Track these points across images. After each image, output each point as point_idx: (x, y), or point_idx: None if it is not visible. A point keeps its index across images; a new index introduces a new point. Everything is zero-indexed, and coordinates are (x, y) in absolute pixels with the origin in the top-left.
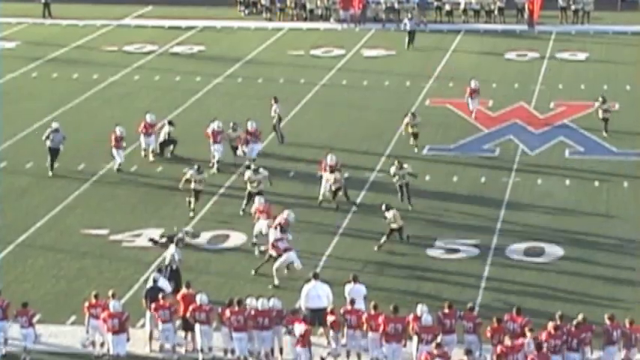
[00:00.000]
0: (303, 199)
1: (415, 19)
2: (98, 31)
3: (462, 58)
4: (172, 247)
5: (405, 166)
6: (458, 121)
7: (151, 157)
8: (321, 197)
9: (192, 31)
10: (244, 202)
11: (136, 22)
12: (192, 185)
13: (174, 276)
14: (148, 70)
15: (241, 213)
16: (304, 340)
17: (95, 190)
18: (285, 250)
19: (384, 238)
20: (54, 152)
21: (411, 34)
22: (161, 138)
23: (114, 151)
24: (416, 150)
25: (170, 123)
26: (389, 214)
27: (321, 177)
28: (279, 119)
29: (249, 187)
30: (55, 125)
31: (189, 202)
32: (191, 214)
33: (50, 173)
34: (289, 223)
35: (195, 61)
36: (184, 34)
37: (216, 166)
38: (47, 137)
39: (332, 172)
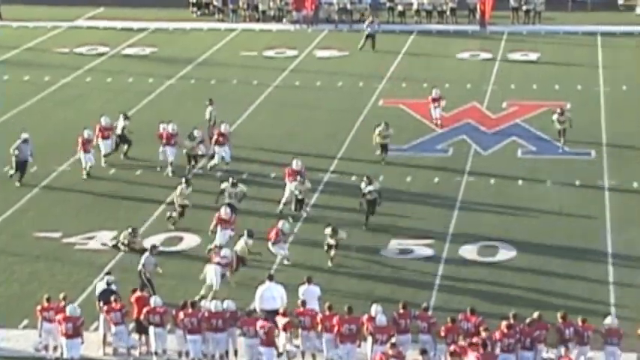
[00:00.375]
0: (257, 200)
1: (375, 23)
2: (49, 33)
3: (414, 58)
4: (146, 254)
5: (375, 181)
6: (411, 121)
7: (102, 163)
8: (281, 207)
9: (145, 32)
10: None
11: (87, 23)
12: (227, 200)
13: (150, 283)
14: (100, 72)
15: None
16: (269, 340)
17: (47, 193)
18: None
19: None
20: (22, 165)
21: (372, 37)
22: (118, 131)
23: (81, 154)
24: (382, 163)
25: (126, 117)
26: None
27: (285, 185)
28: (214, 122)
29: (226, 199)
30: (24, 136)
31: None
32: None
33: (18, 184)
34: (284, 233)
35: (147, 63)
36: (136, 36)
37: (170, 168)
38: (16, 148)
39: (296, 175)
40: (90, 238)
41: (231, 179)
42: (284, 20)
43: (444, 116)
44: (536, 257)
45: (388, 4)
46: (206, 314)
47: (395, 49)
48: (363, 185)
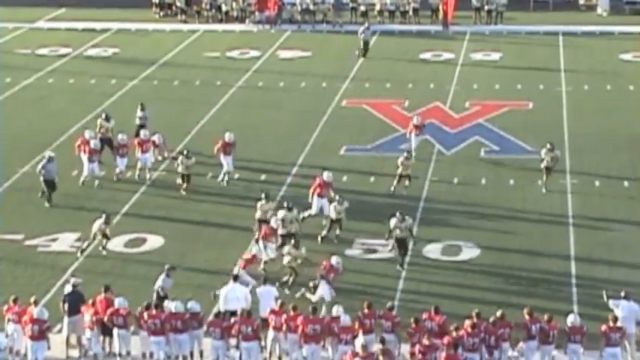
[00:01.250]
0: (220, 205)
1: (370, 29)
2: (10, 34)
3: (377, 58)
4: (162, 276)
5: (407, 218)
6: (374, 121)
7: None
8: (305, 215)
9: (107, 33)
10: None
11: (49, 24)
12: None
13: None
14: (62, 73)
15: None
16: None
17: (10, 195)
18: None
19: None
20: (50, 184)
21: (366, 44)
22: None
23: (118, 158)
24: (404, 192)
25: (106, 118)
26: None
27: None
28: (142, 126)
29: (279, 229)
30: (49, 154)
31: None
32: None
33: (48, 205)
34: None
35: (110, 64)
36: (99, 37)
37: (149, 175)
38: (43, 168)
39: (327, 189)
40: (53, 240)
41: (287, 204)
42: (247, 21)
43: (407, 116)
44: (500, 256)
45: (351, 5)
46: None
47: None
48: (393, 222)
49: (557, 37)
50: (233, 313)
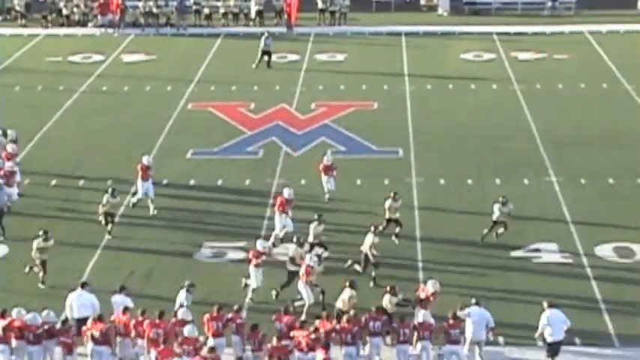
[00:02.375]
0: (66, 211)
1: (270, 39)
2: None
3: (222, 61)
4: (183, 292)
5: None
6: (220, 124)
7: None
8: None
9: None
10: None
11: None
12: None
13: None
14: None
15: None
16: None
17: None
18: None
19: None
20: None
21: (268, 54)
22: None
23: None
24: (396, 242)
25: (3, 133)
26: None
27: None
28: None
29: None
30: None
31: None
32: None
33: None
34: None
35: None
36: None
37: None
38: None
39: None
40: None
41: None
42: (89, 25)
43: (253, 118)
44: (343, 254)
45: (194, 8)
46: (17, 324)
47: (202, 52)
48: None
49: (400, 37)
50: (83, 321)
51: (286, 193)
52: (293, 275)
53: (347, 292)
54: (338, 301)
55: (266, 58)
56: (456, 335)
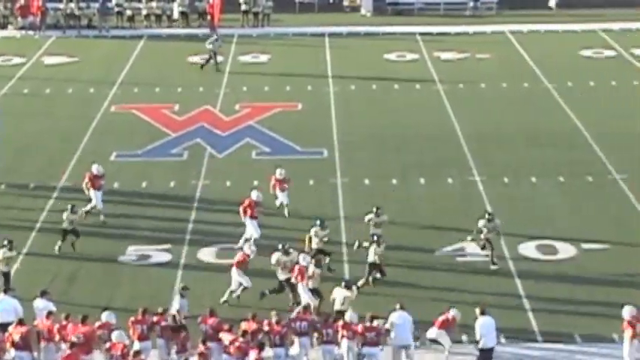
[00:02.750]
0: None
1: (219, 41)
2: None
3: (145, 63)
4: (177, 298)
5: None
6: (144, 126)
7: None
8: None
9: None
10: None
11: None
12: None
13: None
14: None
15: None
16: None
17: None
18: None
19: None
20: None
21: (215, 55)
22: None
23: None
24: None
25: None
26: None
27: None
28: None
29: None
30: None
31: None
32: None
33: None
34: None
35: None
36: None
37: None
38: None
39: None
40: None
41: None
42: (9, 27)
43: (178, 120)
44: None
45: (117, 9)
46: None
47: (125, 54)
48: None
49: (324, 38)
50: (5, 326)
51: (254, 195)
52: (283, 284)
53: (340, 293)
54: (336, 304)
55: (212, 61)
56: (372, 338)
